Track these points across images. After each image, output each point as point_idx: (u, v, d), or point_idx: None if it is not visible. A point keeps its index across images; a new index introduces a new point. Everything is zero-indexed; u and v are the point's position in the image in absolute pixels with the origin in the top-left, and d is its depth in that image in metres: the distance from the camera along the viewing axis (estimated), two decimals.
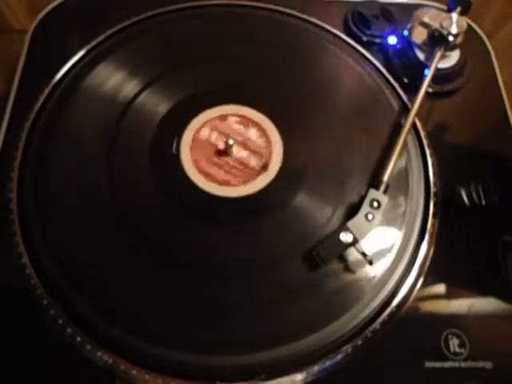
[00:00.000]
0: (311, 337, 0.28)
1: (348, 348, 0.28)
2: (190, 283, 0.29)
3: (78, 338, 0.27)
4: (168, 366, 0.27)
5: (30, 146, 0.32)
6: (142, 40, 0.37)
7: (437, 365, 0.28)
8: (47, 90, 0.34)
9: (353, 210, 0.30)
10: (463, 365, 0.29)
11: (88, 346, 0.27)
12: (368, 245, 0.30)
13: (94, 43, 0.37)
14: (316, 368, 0.27)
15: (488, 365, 0.29)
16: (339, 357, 0.28)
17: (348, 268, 0.30)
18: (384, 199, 0.30)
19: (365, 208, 0.30)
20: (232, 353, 0.27)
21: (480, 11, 0.45)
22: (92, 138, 0.33)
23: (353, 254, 0.30)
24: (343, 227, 0.29)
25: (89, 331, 0.27)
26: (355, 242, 0.29)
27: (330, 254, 0.29)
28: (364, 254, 0.29)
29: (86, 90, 0.35)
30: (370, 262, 0.29)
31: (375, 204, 0.30)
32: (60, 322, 0.27)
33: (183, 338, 0.28)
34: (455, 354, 0.29)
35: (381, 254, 0.30)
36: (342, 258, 0.30)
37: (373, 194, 0.30)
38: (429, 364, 0.28)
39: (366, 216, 0.29)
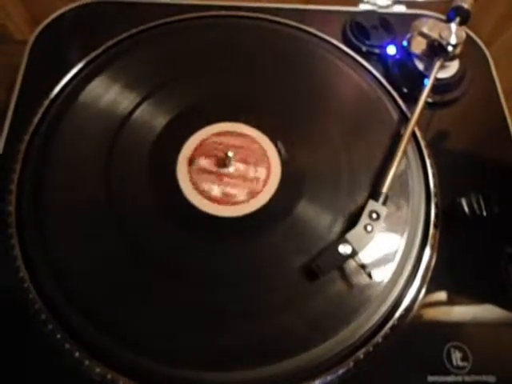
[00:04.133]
0: (312, 351, 0.28)
1: (350, 362, 0.27)
2: (189, 298, 0.29)
3: (77, 354, 0.27)
4: (167, 381, 0.26)
5: (28, 158, 0.32)
6: (141, 52, 0.37)
7: (439, 379, 0.28)
8: (46, 103, 0.34)
9: (352, 222, 0.30)
10: (466, 379, 0.28)
11: (86, 361, 0.26)
12: (369, 256, 0.29)
13: (93, 55, 0.37)
14: (317, 383, 0.27)
15: (491, 378, 0.28)
16: (341, 371, 0.27)
17: (348, 281, 0.29)
18: (383, 211, 0.30)
19: (364, 219, 0.29)
20: (231, 369, 0.27)
21: (478, 19, 0.45)
22: (90, 151, 0.33)
23: (353, 267, 0.29)
24: (342, 239, 0.29)
25: (87, 346, 0.27)
26: (354, 253, 0.28)
27: (328, 265, 0.28)
28: (363, 267, 0.29)
29: (85, 103, 0.34)
30: (369, 275, 0.29)
31: (374, 215, 0.29)
32: (58, 336, 0.27)
33: (182, 354, 0.27)
34: (458, 367, 0.28)
35: (382, 265, 0.30)
36: (342, 271, 0.30)
37: (372, 205, 0.30)
38: (431, 378, 0.28)
39: (365, 227, 0.29)
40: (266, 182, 0.32)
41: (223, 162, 0.33)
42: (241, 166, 0.33)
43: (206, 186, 0.32)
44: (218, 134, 0.34)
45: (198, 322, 0.28)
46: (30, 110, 0.34)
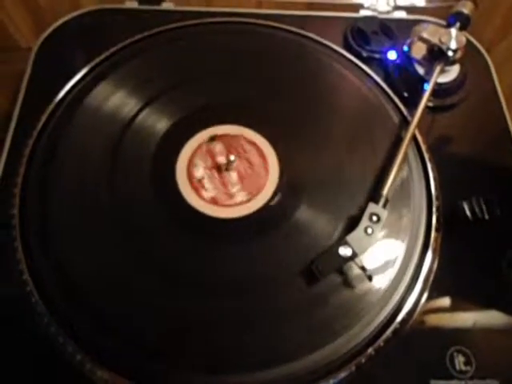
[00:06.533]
0: (314, 355, 0.27)
1: (352, 366, 0.27)
2: (189, 301, 0.29)
3: (78, 357, 0.27)
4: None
5: (32, 163, 0.33)
6: (144, 58, 0.38)
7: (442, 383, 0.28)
8: (50, 108, 0.35)
9: (353, 224, 0.30)
10: (469, 383, 0.28)
11: (88, 364, 0.26)
12: (370, 260, 0.29)
13: (96, 61, 0.37)
14: None
15: (494, 383, 0.28)
16: (343, 375, 0.27)
17: (349, 283, 0.29)
18: (383, 213, 0.30)
19: (364, 222, 0.29)
20: (229, 372, 0.27)
21: (480, 25, 0.46)
22: (94, 156, 0.33)
23: (353, 269, 0.29)
24: (342, 241, 0.29)
25: (88, 349, 0.27)
26: (354, 256, 0.28)
27: (328, 267, 0.28)
28: (363, 269, 0.29)
29: (89, 108, 0.35)
30: (370, 278, 0.29)
31: (374, 218, 0.29)
32: (60, 340, 0.27)
33: (181, 357, 0.27)
34: (461, 372, 0.28)
35: (383, 268, 0.30)
36: (343, 273, 0.30)
37: (372, 207, 0.30)
38: (434, 382, 0.28)
39: (366, 230, 0.29)
40: (236, 204, 0.32)
41: (228, 161, 0.33)
42: (234, 178, 0.33)
43: (197, 163, 0.32)
44: (249, 142, 0.34)
45: (198, 325, 0.28)
46: (34, 115, 0.34)
